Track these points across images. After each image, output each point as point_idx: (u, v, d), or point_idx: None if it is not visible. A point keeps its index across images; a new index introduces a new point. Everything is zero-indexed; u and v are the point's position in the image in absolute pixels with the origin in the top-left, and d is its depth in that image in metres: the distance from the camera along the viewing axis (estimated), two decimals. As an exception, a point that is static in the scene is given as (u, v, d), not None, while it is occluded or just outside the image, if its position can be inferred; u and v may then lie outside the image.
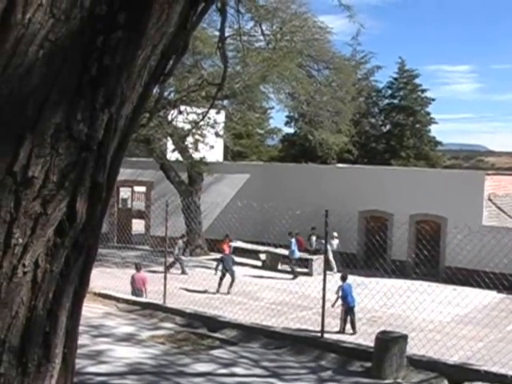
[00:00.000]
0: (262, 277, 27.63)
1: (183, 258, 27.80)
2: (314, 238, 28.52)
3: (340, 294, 19.61)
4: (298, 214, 25.43)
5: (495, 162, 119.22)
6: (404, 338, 13.84)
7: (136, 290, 21.20)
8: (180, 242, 27.08)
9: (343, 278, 20.25)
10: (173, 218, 23.78)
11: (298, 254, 28.09)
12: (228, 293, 23.79)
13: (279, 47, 28.39)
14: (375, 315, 20.85)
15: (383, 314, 21.20)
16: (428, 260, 25.73)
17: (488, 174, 30.99)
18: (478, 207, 28.98)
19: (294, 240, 27.99)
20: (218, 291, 23.94)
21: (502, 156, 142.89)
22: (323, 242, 27.16)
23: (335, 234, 27.78)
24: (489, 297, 24.12)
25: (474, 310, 22.19)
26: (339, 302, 19.74)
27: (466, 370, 13.44)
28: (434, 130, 78.38)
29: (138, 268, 22.22)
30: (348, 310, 19.44)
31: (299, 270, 27.98)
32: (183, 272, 26.81)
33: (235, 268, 25.05)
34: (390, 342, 13.53)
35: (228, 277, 24.26)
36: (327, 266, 27.88)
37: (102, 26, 1.86)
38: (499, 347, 16.65)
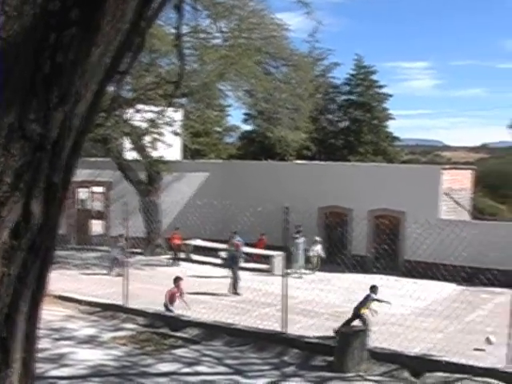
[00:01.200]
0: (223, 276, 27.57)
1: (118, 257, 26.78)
2: (302, 240, 28.32)
3: None
4: (259, 210, 25.39)
5: (452, 157, 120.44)
6: (365, 331, 13.94)
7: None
8: (120, 242, 26.32)
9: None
10: (133, 218, 23.65)
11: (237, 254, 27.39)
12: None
13: (237, 45, 28.32)
14: (338, 310, 20.93)
15: (345, 308, 21.29)
16: (388, 254, 25.98)
17: (445, 169, 31.29)
18: (436, 201, 29.28)
19: (240, 239, 27.41)
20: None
21: (459, 151, 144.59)
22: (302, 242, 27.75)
23: (318, 238, 28.21)
24: (448, 289, 24.40)
25: (434, 303, 22.41)
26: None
27: (426, 361, 13.60)
28: (392, 126, 78.95)
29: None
30: None
31: (260, 266, 27.96)
32: (110, 271, 26.03)
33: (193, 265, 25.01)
34: (351, 336, 13.62)
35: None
36: (308, 266, 28.00)
37: (55, 23, 1.81)
38: (459, 338, 16.86)
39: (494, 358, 14.33)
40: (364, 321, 16.97)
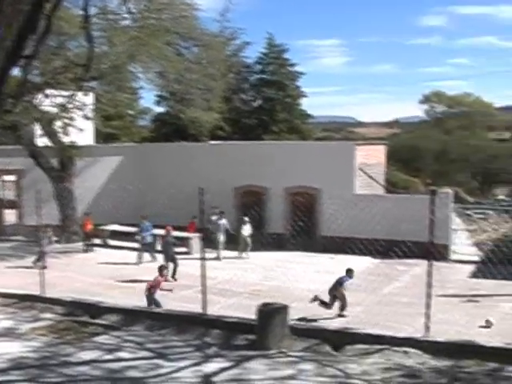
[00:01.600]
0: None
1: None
2: (215, 218, 28.07)
3: None
4: (173, 192, 25.26)
5: (365, 133, 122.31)
6: (285, 308, 14.04)
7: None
8: (48, 233, 25.82)
9: None
10: (47, 206, 23.19)
11: (149, 239, 27.12)
12: None
13: (146, 25, 27.91)
14: (256, 288, 21.08)
15: (264, 286, 21.48)
16: (304, 231, 26.25)
17: (358, 145, 31.71)
18: (350, 177, 29.68)
19: (147, 223, 27.09)
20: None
21: (371, 127, 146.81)
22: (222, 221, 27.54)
23: (246, 218, 27.90)
24: (365, 262, 24.86)
25: (358, 278, 22.78)
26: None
27: (346, 334, 13.81)
28: (305, 104, 79.64)
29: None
30: None
31: (178, 249, 27.85)
32: (38, 261, 25.49)
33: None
34: (271, 314, 13.72)
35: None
36: (241, 247, 27.78)
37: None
38: (376, 310, 17.21)
39: (411, 328, 14.68)
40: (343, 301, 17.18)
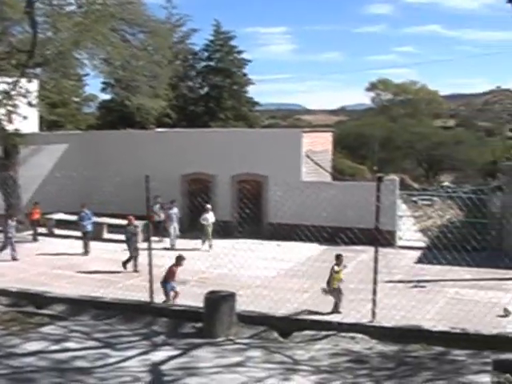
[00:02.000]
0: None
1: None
2: (157, 207, 27.72)
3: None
4: (119, 180, 25.01)
5: (312, 120, 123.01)
6: (232, 295, 14.06)
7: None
8: (10, 221, 25.34)
9: None
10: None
11: (89, 228, 26.31)
12: None
13: (91, 11, 27.49)
14: (203, 276, 21.05)
15: (211, 274, 21.46)
16: (251, 218, 26.23)
17: (305, 132, 31.75)
18: (297, 164, 29.72)
19: (87, 211, 26.59)
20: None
21: (318, 114, 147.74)
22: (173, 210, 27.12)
23: (209, 206, 27.13)
24: (311, 249, 24.99)
25: (298, 263, 22.90)
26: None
27: (294, 321, 13.92)
28: (252, 91, 79.52)
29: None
30: None
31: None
32: (4, 248, 25.24)
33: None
34: (219, 301, 13.72)
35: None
36: (205, 237, 27.19)
37: None
38: (324, 296, 17.30)
39: (358, 314, 14.82)
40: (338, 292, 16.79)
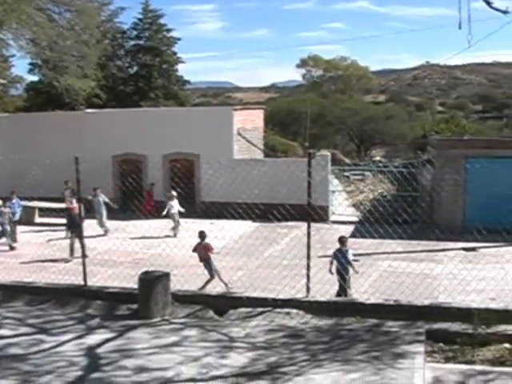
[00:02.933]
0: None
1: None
2: (68, 192, 26.83)
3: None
4: (49, 163, 24.55)
5: (243, 98, 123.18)
6: (167, 275, 14.00)
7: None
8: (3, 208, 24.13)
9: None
10: None
11: (18, 217, 26.04)
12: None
13: (14, -10, 26.90)
14: (137, 257, 20.91)
15: (145, 255, 21.34)
16: (184, 197, 26.13)
17: (236, 110, 31.75)
18: (229, 142, 29.75)
19: (16, 200, 25.80)
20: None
21: (249, 91, 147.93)
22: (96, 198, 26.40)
23: (174, 193, 26.01)
24: (245, 227, 25.12)
25: (231, 241, 22.92)
26: None
27: (229, 299, 13.91)
28: (182, 70, 79.20)
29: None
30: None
31: (57, 221, 27.09)
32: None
33: None
34: (153, 282, 13.64)
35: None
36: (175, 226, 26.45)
37: None
38: (258, 273, 17.40)
39: (293, 290, 14.91)
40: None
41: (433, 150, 29.18)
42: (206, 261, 17.19)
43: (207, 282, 16.84)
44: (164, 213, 25.37)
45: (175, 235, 25.09)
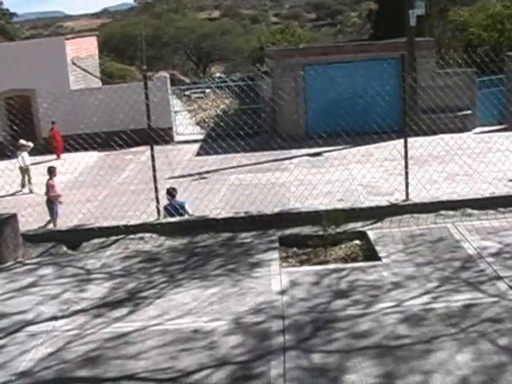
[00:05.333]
0: None
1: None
2: None
3: None
4: None
5: (75, 26, 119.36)
6: (14, 217, 13.63)
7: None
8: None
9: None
10: None
11: None
12: None
13: None
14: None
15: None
16: (23, 136, 25.26)
17: (68, 39, 30.81)
18: (64, 73, 28.93)
19: None
20: None
21: (81, 19, 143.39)
22: None
23: (23, 141, 23.82)
24: (87, 157, 24.66)
25: (76, 174, 22.49)
26: None
27: (80, 232, 13.74)
28: (7, 2, 75.44)
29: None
30: None
31: None
32: None
33: None
34: (1, 225, 13.26)
35: None
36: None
37: None
38: (107, 203, 17.26)
39: (144, 215, 14.92)
40: None
41: (270, 62, 29.50)
42: (49, 200, 16.88)
43: (47, 223, 16.55)
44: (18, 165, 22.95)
45: (31, 191, 22.56)
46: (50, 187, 17.29)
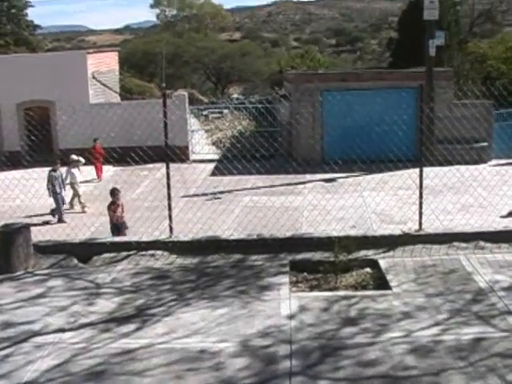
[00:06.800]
0: None
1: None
2: None
3: None
4: None
5: (96, 41, 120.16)
6: (27, 227, 13.66)
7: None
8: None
9: None
10: None
11: None
12: None
13: None
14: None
15: (2, 208, 20.71)
16: (41, 146, 25.40)
17: (89, 53, 31.01)
18: (84, 87, 29.09)
19: None
20: None
21: (103, 34, 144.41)
22: None
23: (75, 157, 22.23)
24: (108, 172, 24.79)
25: (96, 188, 22.58)
26: None
27: (92, 245, 13.75)
28: (32, 14, 76.16)
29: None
30: None
31: None
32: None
33: None
34: (14, 234, 13.29)
35: None
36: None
37: None
38: (125, 217, 17.24)
39: (157, 232, 14.93)
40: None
41: (289, 85, 29.58)
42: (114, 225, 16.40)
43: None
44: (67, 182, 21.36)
45: (83, 210, 21.02)
46: (113, 211, 16.51)
